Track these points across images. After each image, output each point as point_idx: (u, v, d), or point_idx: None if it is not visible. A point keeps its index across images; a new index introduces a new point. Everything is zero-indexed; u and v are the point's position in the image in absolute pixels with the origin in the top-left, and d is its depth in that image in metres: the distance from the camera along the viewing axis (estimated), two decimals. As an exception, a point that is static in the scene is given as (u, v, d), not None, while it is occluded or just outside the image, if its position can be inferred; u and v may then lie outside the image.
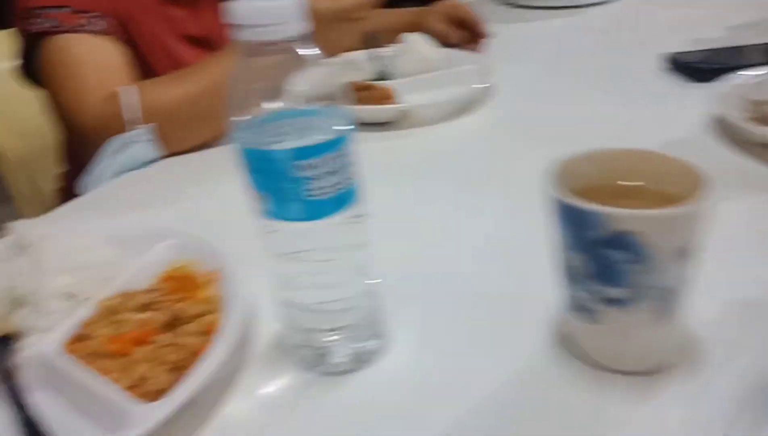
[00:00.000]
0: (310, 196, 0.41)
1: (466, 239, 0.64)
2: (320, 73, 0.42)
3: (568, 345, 0.47)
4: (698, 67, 0.98)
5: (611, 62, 1.11)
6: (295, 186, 0.41)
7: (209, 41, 1.04)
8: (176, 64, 0.97)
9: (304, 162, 0.40)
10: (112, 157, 0.82)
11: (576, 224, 0.40)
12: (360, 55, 1.10)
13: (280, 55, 0.40)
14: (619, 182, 0.46)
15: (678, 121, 0.84)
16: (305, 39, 0.41)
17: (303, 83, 0.41)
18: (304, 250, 0.44)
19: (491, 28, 1.15)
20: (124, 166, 0.83)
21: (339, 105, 0.42)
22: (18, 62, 0.94)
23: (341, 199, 0.42)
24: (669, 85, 0.97)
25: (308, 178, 0.40)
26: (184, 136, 0.86)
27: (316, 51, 0.41)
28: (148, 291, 0.54)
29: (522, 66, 1.12)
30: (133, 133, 0.81)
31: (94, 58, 0.88)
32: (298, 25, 0.40)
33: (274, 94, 0.40)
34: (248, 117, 0.41)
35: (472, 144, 0.87)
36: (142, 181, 0.83)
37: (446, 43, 1.12)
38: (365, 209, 0.45)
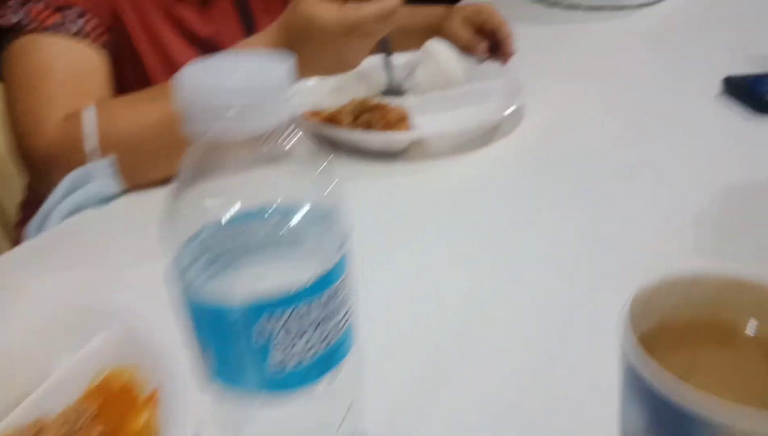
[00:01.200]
0: (279, 366, 0.27)
1: (489, 319, 0.50)
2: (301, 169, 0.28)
3: None
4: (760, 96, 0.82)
5: (661, 81, 0.95)
6: (256, 354, 0.27)
7: (214, 44, 0.90)
8: (174, 68, 0.84)
9: (273, 319, 0.26)
10: (66, 193, 0.68)
11: (665, 419, 0.27)
12: (369, 62, 0.96)
13: (248, 152, 0.26)
14: (718, 316, 0.32)
15: (745, 163, 0.70)
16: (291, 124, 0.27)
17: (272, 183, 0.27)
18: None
19: (522, 32, 1.00)
20: (79, 205, 0.69)
21: (330, 210, 0.28)
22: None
23: (326, 361, 0.28)
24: (730, 116, 0.82)
25: (276, 342, 0.26)
26: (150, 167, 0.72)
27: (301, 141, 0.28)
28: (68, 415, 0.41)
29: (557, 81, 0.97)
30: (93, 165, 0.68)
31: (63, 68, 0.74)
32: (282, 110, 0.26)
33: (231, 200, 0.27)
34: (193, 234, 0.27)
35: (492, 183, 0.73)
36: (99, 224, 0.69)
37: (470, 52, 0.97)
38: (361, 357, 0.31)
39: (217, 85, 0.25)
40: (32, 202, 0.98)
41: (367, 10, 0.66)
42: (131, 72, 0.84)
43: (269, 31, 0.71)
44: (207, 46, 0.89)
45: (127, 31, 0.83)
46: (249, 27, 0.94)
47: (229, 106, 0.24)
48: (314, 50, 0.67)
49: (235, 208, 0.27)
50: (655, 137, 0.78)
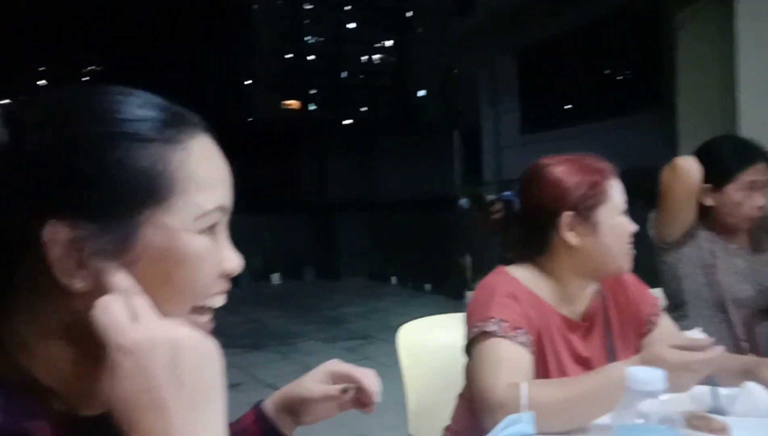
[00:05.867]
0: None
1: None
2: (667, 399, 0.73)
3: None
4: None
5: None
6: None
7: (590, 362, 1.41)
8: (563, 375, 1.35)
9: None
10: (501, 430, 1.17)
11: None
12: (698, 388, 1.33)
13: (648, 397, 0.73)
14: None
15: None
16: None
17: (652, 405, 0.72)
18: None
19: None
20: (510, 436, 1.18)
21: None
22: (463, 344, 1.42)
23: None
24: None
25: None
26: (556, 426, 1.18)
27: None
28: None
29: None
30: (520, 415, 1.17)
31: (511, 359, 1.30)
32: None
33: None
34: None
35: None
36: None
37: None
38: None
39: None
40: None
41: (696, 356, 1.11)
42: (540, 372, 1.36)
43: (630, 361, 1.19)
44: (585, 363, 1.39)
45: (542, 346, 1.37)
46: (611, 353, 1.42)
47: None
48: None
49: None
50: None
